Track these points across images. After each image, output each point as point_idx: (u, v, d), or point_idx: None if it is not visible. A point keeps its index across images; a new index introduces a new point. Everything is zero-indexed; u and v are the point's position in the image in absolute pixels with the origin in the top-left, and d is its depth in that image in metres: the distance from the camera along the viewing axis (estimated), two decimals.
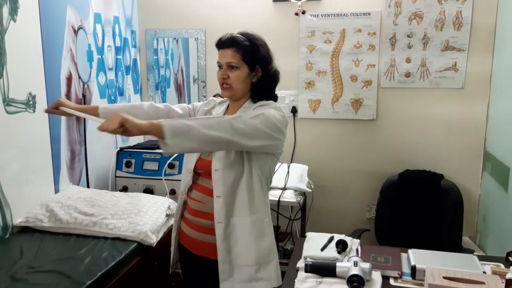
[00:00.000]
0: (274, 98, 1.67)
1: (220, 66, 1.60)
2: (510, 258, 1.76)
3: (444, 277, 1.42)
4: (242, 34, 1.61)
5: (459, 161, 2.86)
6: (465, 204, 2.60)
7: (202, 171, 1.62)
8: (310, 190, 2.77)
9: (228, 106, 1.70)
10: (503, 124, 2.52)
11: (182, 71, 3.27)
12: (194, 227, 1.63)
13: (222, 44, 1.59)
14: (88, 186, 2.62)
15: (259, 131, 1.45)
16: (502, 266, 1.72)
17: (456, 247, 2.54)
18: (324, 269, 1.63)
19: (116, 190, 2.72)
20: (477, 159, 2.84)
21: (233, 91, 1.60)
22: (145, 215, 2.11)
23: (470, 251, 2.44)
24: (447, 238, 2.58)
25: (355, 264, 1.58)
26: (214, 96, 1.84)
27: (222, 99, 1.77)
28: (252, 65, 1.59)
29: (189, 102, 3.29)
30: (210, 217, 1.58)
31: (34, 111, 2.15)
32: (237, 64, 1.56)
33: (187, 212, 1.67)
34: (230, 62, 1.56)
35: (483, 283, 1.39)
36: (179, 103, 3.32)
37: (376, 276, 1.62)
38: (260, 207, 1.61)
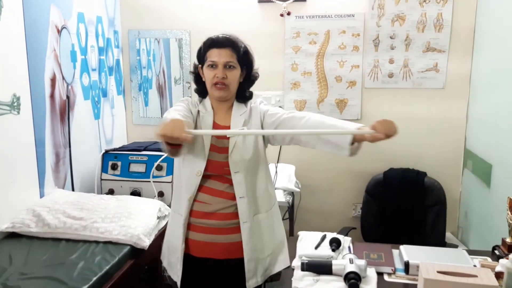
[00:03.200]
0: (252, 95, 1.72)
1: (212, 65, 1.56)
2: (496, 252, 1.83)
3: (438, 272, 1.46)
4: (231, 35, 1.62)
5: (441, 159, 2.95)
6: (447, 201, 2.68)
7: (213, 174, 1.58)
8: (299, 190, 2.80)
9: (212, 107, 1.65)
10: (483, 123, 2.61)
11: (163, 72, 3.24)
12: (200, 229, 1.60)
13: (219, 43, 1.57)
14: (73, 190, 2.56)
15: None
16: (489, 259, 1.79)
17: (440, 242, 2.62)
18: (320, 267, 1.67)
19: (102, 193, 2.67)
20: (458, 157, 2.93)
21: (229, 91, 1.60)
22: (136, 218, 2.08)
23: (454, 246, 2.52)
24: (431, 234, 2.66)
25: (351, 261, 1.62)
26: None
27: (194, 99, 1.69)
28: (242, 66, 1.62)
29: (171, 104, 3.27)
30: (216, 217, 1.58)
31: (18, 113, 2.09)
32: (234, 64, 1.57)
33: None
34: (229, 62, 1.56)
35: (476, 276, 1.43)
36: (160, 104, 3.32)
37: (371, 272, 1.66)
38: (275, 198, 1.71)
